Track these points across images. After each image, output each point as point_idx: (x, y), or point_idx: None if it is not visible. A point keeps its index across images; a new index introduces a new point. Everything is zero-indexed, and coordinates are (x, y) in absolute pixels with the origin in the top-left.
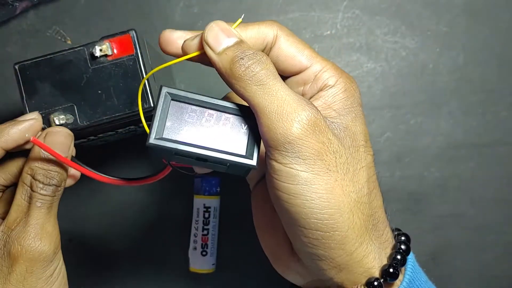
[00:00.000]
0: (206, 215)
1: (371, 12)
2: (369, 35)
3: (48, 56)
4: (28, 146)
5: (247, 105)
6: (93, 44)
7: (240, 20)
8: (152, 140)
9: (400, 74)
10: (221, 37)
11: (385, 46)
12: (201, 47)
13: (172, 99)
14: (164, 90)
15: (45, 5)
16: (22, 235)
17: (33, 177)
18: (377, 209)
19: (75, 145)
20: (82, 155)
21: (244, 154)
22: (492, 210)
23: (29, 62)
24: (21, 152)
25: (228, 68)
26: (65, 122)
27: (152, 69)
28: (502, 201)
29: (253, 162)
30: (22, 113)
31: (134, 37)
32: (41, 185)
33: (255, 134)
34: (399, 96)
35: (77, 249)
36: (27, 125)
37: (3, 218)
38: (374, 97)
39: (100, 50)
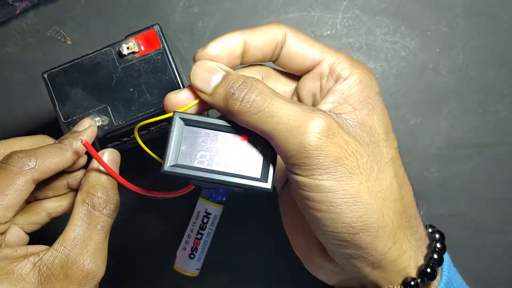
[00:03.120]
0: (205, 220)
1: (371, 12)
2: (369, 35)
3: (75, 61)
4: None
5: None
6: (119, 43)
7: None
8: (166, 168)
9: (400, 74)
10: (207, 77)
11: (385, 46)
12: (196, 95)
13: (185, 124)
14: (177, 116)
15: (45, 5)
16: (82, 259)
17: (94, 196)
18: (409, 205)
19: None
20: None
21: (259, 177)
22: (492, 210)
23: (57, 69)
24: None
25: (224, 106)
26: (101, 124)
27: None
28: (502, 201)
29: (268, 185)
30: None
31: (159, 31)
32: (104, 205)
33: (270, 153)
34: (399, 96)
35: None
36: (89, 133)
37: (25, 231)
38: None
39: (127, 48)
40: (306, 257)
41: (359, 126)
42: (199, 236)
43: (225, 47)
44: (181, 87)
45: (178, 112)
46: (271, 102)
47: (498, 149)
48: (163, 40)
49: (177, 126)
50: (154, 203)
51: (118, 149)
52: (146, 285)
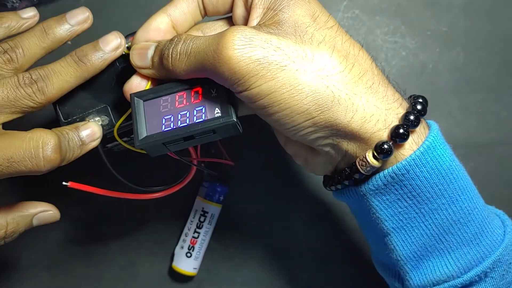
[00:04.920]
0: (202, 219)
1: (371, 12)
2: (369, 35)
3: None
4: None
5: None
6: None
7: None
8: (138, 142)
9: (400, 74)
10: (143, 53)
11: (385, 46)
12: (144, 76)
13: (144, 100)
14: (133, 96)
15: (45, 5)
16: None
17: None
18: (365, 71)
19: (108, 150)
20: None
21: (220, 115)
22: None
23: None
24: None
25: (164, 70)
26: (101, 123)
27: None
28: (502, 201)
29: (231, 117)
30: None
31: None
32: None
33: (223, 92)
34: None
35: (77, 249)
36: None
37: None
38: None
39: (127, 48)
40: (303, 162)
41: (281, 24)
42: (196, 235)
43: (151, 28)
44: None
45: (133, 93)
46: (193, 43)
47: (498, 149)
48: None
49: (136, 104)
50: (155, 202)
51: (118, 149)
52: (144, 283)
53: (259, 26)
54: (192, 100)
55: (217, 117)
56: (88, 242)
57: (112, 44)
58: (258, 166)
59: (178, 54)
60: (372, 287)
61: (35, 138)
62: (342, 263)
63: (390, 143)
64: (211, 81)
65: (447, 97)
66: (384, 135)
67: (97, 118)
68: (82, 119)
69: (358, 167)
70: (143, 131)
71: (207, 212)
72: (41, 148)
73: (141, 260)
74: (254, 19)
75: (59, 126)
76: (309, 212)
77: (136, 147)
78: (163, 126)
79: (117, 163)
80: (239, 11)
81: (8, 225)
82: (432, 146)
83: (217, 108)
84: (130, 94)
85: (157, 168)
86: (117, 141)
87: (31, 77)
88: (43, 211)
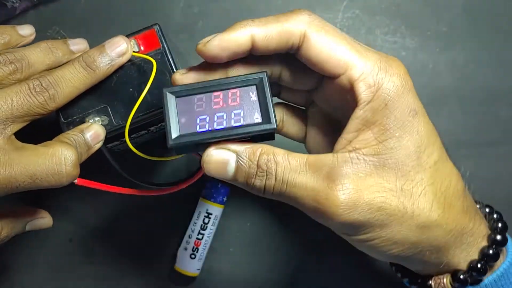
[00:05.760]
0: (206, 220)
1: (371, 12)
2: (369, 35)
3: None
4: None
5: (246, 73)
6: None
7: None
8: (171, 141)
9: None
10: (221, 169)
11: (385, 46)
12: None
13: (177, 97)
14: (166, 91)
15: (45, 5)
16: None
17: None
18: (462, 221)
19: (108, 150)
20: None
21: (260, 121)
22: None
23: None
24: None
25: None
26: (101, 123)
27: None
28: (502, 201)
29: (272, 125)
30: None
31: (158, 31)
32: None
33: (265, 97)
34: None
35: (77, 249)
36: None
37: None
38: None
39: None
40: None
41: (382, 160)
42: (200, 237)
43: (228, 47)
44: None
45: (166, 88)
46: (290, 185)
47: (498, 149)
48: (163, 40)
49: (169, 100)
50: (155, 202)
51: (118, 149)
52: (146, 285)
53: (362, 166)
54: (230, 101)
55: (257, 123)
56: (89, 243)
57: (118, 50)
58: None
59: (272, 191)
60: (375, 284)
61: (57, 154)
62: (343, 263)
63: (467, 275)
64: (254, 83)
65: (447, 97)
66: (464, 265)
67: (97, 118)
68: (82, 119)
69: (432, 283)
70: (175, 129)
71: (211, 214)
72: (63, 164)
73: (142, 260)
74: (348, 134)
75: (59, 125)
76: None
77: (169, 146)
78: (198, 127)
79: (119, 163)
80: (330, 93)
81: (2, 230)
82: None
83: (256, 113)
84: (163, 89)
85: (158, 167)
86: (116, 141)
87: (42, 85)
88: (37, 218)
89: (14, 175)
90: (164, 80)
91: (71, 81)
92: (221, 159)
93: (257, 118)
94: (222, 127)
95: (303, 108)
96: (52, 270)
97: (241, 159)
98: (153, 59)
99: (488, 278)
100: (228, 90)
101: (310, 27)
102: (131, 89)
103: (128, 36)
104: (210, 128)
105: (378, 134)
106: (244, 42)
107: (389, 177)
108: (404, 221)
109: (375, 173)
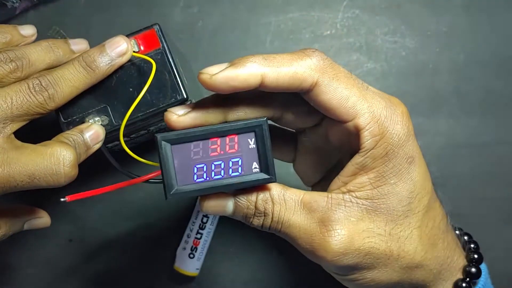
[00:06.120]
0: (204, 220)
1: (371, 12)
2: (369, 35)
3: None
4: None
5: (246, 120)
6: None
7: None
8: (169, 196)
9: (400, 74)
10: (219, 210)
11: (385, 46)
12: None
13: (172, 144)
14: (161, 139)
15: (45, 5)
16: None
17: None
18: (442, 255)
19: (108, 150)
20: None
21: (259, 171)
22: (492, 210)
23: None
24: None
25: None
26: (101, 123)
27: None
28: (502, 201)
29: (272, 178)
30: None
31: (158, 31)
32: None
33: (264, 145)
34: (399, 96)
35: (77, 249)
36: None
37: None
38: None
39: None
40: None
41: (374, 211)
42: (198, 236)
43: (235, 85)
44: (181, 87)
45: (159, 134)
46: (285, 225)
47: (498, 149)
48: (163, 40)
49: (164, 149)
50: (155, 202)
51: (118, 149)
52: (146, 285)
53: (355, 210)
54: (227, 149)
55: (256, 173)
56: (88, 243)
57: (118, 50)
58: None
59: (269, 228)
60: None
61: (55, 154)
62: None
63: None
64: (252, 130)
65: (447, 97)
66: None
67: (97, 118)
68: (82, 119)
69: None
70: (173, 182)
71: None
72: (62, 164)
73: (141, 260)
74: (345, 177)
75: (59, 125)
76: None
77: (167, 199)
78: (195, 176)
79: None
80: (333, 131)
81: (0, 228)
82: None
83: (255, 163)
84: (157, 136)
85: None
86: (116, 141)
87: (41, 84)
88: (35, 218)
89: (13, 174)
90: (164, 79)
91: (71, 81)
92: (219, 204)
93: (256, 168)
94: (219, 176)
95: (293, 131)
96: (52, 270)
97: (239, 201)
98: (153, 59)
99: None
100: (225, 137)
101: (323, 75)
102: (131, 89)
103: (128, 36)
104: (208, 178)
105: (374, 180)
106: (253, 82)
107: (379, 222)
108: (389, 263)
109: (366, 218)
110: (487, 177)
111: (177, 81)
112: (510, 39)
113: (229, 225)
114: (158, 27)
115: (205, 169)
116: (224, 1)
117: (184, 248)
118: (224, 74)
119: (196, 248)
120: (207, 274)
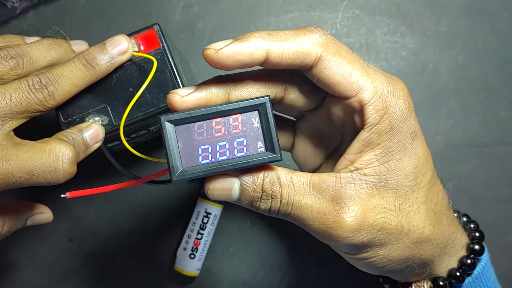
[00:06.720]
0: (205, 220)
1: (371, 12)
2: (369, 35)
3: None
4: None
5: (249, 98)
6: None
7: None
8: (175, 177)
9: (400, 74)
10: (226, 194)
11: (385, 46)
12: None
13: (175, 125)
14: (164, 120)
15: (45, 5)
16: None
17: None
18: (447, 231)
19: (108, 149)
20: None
21: (264, 150)
22: (492, 210)
23: None
24: None
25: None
26: (101, 123)
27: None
28: (502, 201)
29: (277, 156)
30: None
31: (158, 31)
32: None
33: (268, 124)
34: None
35: (77, 249)
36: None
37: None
38: None
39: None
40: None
41: (383, 180)
42: (199, 236)
43: (240, 59)
44: (181, 87)
45: (162, 116)
46: (295, 207)
47: (498, 149)
48: (163, 40)
49: (168, 130)
50: (155, 202)
51: (118, 149)
52: (146, 285)
53: (363, 187)
54: (232, 129)
55: (261, 153)
56: (88, 243)
57: (119, 48)
58: None
59: (277, 212)
60: (374, 285)
61: (54, 151)
62: (344, 262)
63: (446, 282)
64: (256, 109)
65: (447, 97)
66: (444, 273)
67: (97, 118)
68: (82, 119)
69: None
70: (178, 163)
71: (210, 213)
72: (61, 161)
73: (142, 261)
74: (352, 155)
75: (59, 124)
76: None
77: (173, 182)
78: (200, 158)
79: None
80: (337, 109)
81: (4, 224)
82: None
83: (260, 142)
84: (160, 117)
85: (158, 167)
86: (116, 141)
87: (41, 81)
88: (38, 213)
89: (11, 171)
90: (164, 79)
91: (71, 79)
92: (225, 186)
93: (261, 147)
94: (225, 157)
95: (292, 118)
96: (52, 269)
97: (245, 183)
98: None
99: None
100: (229, 116)
101: (326, 49)
102: (131, 89)
103: (128, 35)
104: (213, 159)
105: (380, 156)
106: (259, 57)
107: (389, 197)
108: (400, 238)
109: (376, 194)
110: (487, 177)
111: (177, 81)
112: (510, 39)
113: (229, 225)
114: (158, 27)
115: (210, 150)
116: (224, 1)
117: (185, 249)
118: (229, 49)
119: (197, 248)
120: (207, 274)
